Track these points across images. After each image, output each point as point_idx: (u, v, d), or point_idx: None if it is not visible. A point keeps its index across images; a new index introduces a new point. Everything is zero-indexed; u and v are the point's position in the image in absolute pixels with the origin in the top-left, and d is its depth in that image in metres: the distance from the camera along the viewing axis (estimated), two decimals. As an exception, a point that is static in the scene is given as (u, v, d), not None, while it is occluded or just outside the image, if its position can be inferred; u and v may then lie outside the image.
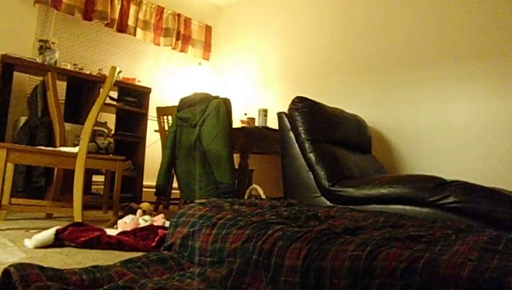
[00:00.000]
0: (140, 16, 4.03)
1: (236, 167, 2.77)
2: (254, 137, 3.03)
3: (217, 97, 2.75)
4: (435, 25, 2.93)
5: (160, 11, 4.20)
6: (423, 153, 2.89)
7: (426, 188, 1.87)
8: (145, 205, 2.49)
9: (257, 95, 4.17)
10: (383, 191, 2.02)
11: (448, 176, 2.35)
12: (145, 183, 3.65)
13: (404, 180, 2.02)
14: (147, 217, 2.03)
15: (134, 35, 3.97)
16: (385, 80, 3.17)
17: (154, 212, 2.39)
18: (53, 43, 3.28)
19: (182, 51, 4.43)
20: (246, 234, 1.14)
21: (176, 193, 3.46)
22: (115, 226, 2.13)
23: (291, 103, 2.45)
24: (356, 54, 3.39)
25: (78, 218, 2.11)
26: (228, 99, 2.71)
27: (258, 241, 1.09)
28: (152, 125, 3.76)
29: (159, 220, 2.05)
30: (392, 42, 3.15)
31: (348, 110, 2.92)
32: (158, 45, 4.20)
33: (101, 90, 2.54)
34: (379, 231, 1.31)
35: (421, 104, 2.95)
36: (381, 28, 3.24)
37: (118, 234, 1.81)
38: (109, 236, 1.72)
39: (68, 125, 2.96)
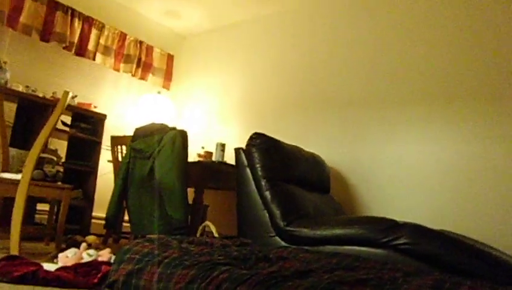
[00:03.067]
0: (102, 41, 4.01)
1: (191, 202, 2.74)
2: (210, 172, 3.02)
3: (173, 128, 2.74)
4: (394, 66, 3.09)
5: (122, 37, 4.20)
6: (380, 193, 2.98)
7: (380, 230, 1.92)
8: (91, 238, 2.40)
9: (216, 128, 4.19)
10: (338, 231, 2.05)
11: (402, 216, 2.44)
12: (95, 214, 3.53)
13: (359, 221, 2.06)
14: (91, 251, 1.96)
15: (94, 59, 3.94)
16: (344, 118, 3.29)
17: (101, 246, 2.30)
18: (5, 62, 3.19)
19: (141, 78, 4.42)
20: (190, 274, 1.12)
21: (127, 226, 3.36)
22: (55, 260, 2.03)
23: (249, 139, 2.48)
24: (316, 91, 3.50)
25: (14, 250, 2.00)
26: (185, 131, 2.70)
27: (202, 283, 1.07)
28: (105, 154, 3.68)
29: (105, 255, 1.97)
30: (352, 81, 3.29)
31: (306, 148, 2.98)
32: (118, 70, 4.17)
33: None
34: (329, 274, 1.32)
35: (378, 144, 3.07)
36: (341, 67, 3.38)
37: (57, 269, 1.72)
38: (47, 271, 1.64)
39: (14, 150, 2.84)
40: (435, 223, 2.60)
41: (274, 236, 2.23)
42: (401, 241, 1.83)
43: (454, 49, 2.84)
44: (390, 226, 1.92)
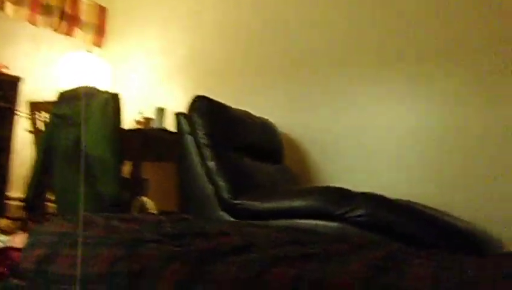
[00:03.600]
0: (11, -13, 3.78)
1: (128, 176, 2.71)
2: (149, 141, 2.99)
3: (104, 92, 2.67)
4: (354, 20, 3.14)
5: (37, -17, 3.98)
6: (340, 162, 3.06)
7: (333, 201, 2.00)
8: (3, 222, 2.34)
9: (156, 92, 4.11)
10: (290, 204, 2.12)
11: (365, 188, 2.53)
12: (12, 195, 3.42)
13: (312, 192, 2.14)
14: (2, 237, 1.91)
15: (2, 10, 3.72)
16: (297, 79, 3.32)
17: (15, 231, 2.25)
18: None
19: (67, 34, 4.23)
20: (113, 255, 1.12)
21: (53, 207, 3.29)
22: (-39, 249, 1.96)
23: (191, 103, 2.46)
24: (267, 50, 3.50)
25: None
26: (117, 94, 2.64)
27: (126, 263, 1.08)
28: (23, 124, 3.54)
29: (19, 241, 1.93)
30: (306, 37, 3.32)
31: (256, 114, 3.00)
32: (35, 24, 3.97)
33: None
34: (273, 250, 1.36)
35: (337, 107, 3.13)
36: (295, 25, 3.38)
37: (-39, 259, 1.67)
38: None
39: None
40: (402, 194, 2.56)
41: (220, 211, 2.26)
42: (357, 212, 1.92)
43: (425, 3, 2.92)
44: (344, 197, 2.01)
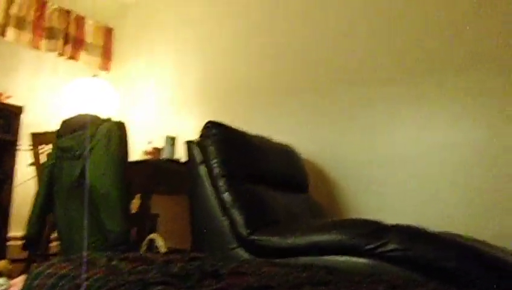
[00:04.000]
0: (14, 10, 3.92)
1: (137, 211, 2.73)
2: (159, 173, 3.02)
3: (107, 120, 2.72)
4: (379, 40, 3.15)
5: (41, 4, 4.12)
6: (369, 193, 3.05)
7: (362, 235, 1.95)
8: (1, 264, 2.37)
9: (167, 119, 4.17)
10: (313, 239, 2.07)
11: (396, 218, 2.49)
12: (12, 234, 3.47)
13: (338, 225, 2.10)
14: (2, 280, 1.94)
15: (3, 35, 3.85)
16: (323, 102, 3.34)
17: (14, 274, 2.28)
18: None
19: (71, 57, 4.37)
20: (113, 298, 1.12)
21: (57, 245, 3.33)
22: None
23: (203, 129, 2.49)
24: (288, 71, 3.55)
25: None
26: (123, 123, 2.69)
27: (127, 308, 1.08)
28: (25, 157, 3.62)
29: (19, 284, 1.96)
30: (330, 58, 3.34)
31: (276, 139, 3.02)
32: (38, 48, 4.10)
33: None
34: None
35: (363, 131, 3.13)
36: (318, 41, 3.41)
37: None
38: None
39: None
40: (438, 224, 2.52)
41: (236, 248, 2.24)
42: (389, 247, 1.86)
43: (440, 20, 2.94)
44: (374, 230, 1.96)
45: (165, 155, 3.26)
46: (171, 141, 3.28)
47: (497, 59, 2.71)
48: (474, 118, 2.73)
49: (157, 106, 4.28)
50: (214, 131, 2.48)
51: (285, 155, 2.84)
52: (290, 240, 2.12)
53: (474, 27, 2.80)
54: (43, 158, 3.19)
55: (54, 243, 3.33)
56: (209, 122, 2.51)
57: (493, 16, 2.75)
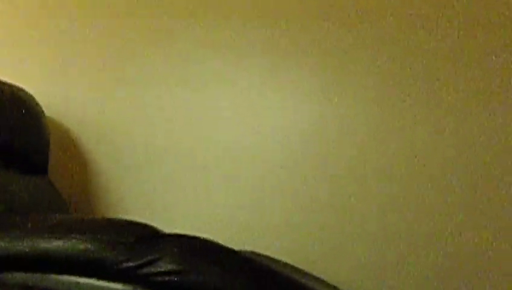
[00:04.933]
0: None
1: None
2: None
3: None
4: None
5: None
6: (141, 185, 2.42)
7: (120, 244, 1.37)
8: None
9: None
10: (41, 245, 1.40)
11: (177, 225, 1.95)
12: None
13: (84, 227, 1.45)
14: None
15: None
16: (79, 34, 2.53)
17: None
18: None
19: None
20: None
21: None
22: None
23: None
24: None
25: None
26: None
27: None
28: None
29: None
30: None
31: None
32: None
33: None
34: None
35: (157, 89, 2.44)
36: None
37: None
38: None
39: None
40: (237, 240, 2.17)
41: None
42: (160, 267, 1.31)
43: None
44: (140, 239, 1.39)
45: None
46: None
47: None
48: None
49: None
50: None
51: (11, 108, 2.00)
52: (3, 244, 1.42)
53: None
54: None
55: None
56: None
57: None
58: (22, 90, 2.14)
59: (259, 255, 1.72)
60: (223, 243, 1.41)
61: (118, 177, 2.41)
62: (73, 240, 1.37)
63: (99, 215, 2.32)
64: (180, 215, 2.28)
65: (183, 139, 2.38)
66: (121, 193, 2.39)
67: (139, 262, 1.32)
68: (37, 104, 2.20)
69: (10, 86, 2.07)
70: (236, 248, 1.45)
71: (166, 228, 1.47)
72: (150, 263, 1.31)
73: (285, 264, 1.73)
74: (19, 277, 1.40)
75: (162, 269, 1.30)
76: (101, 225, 1.48)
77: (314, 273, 1.89)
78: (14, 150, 2.00)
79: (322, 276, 1.89)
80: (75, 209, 2.33)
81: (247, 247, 1.95)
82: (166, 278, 1.31)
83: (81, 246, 1.35)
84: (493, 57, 2.19)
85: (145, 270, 1.31)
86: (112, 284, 1.34)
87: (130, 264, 1.32)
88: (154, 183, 2.36)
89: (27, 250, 1.39)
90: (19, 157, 2.03)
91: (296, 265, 1.83)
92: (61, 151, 2.45)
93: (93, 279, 1.36)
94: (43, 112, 2.21)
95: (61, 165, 2.45)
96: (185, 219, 2.24)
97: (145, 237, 1.40)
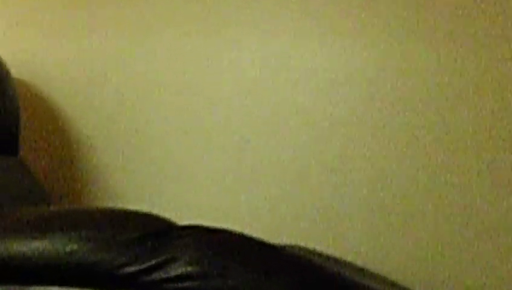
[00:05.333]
0: None
1: None
2: None
3: None
4: None
5: None
6: (158, 159, 2.00)
7: (121, 243, 1.10)
8: None
9: None
10: (15, 248, 1.11)
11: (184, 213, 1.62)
12: None
13: (72, 220, 1.15)
14: None
15: None
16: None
17: None
18: None
19: None
20: None
21: None
22: None
23: None
24: None
25: None
26: None
27: None
28: None
29: None
30: None
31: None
32: None
33: None
34: None
35: (160, 35, 2.02)
36: None
37: None
38: None
39: None
40: (272, 231, 1.80)
41: None
42: (172, 271, 1.06)
43: None
44: (148, 234, 1.10)
45: None
46: None
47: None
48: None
49: None
50: None
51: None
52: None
53: None
54: None
55: None
56: None
57: None
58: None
59: (305, 249, 1.42)
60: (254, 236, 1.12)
61: (111, 155, 1.95)
62: (56, 240, 1.09)
63: (87, 205, 1.88)
64: (195, 203, 1.85)
65: (195, 102, 1.93)
66: (117, 177, 1.94)
67: (145, 265, 1.06)
68: (1, 63, 1.81)
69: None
70: (272, 241, 1.15)
71: (178, 220, 1.16)
72: (159, 266, 1.06)
73: (339, 261, 1.44)
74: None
75: (176, 274, 1.05)
76: (91, 217, 1.18)
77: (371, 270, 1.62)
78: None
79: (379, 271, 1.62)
80: (56, 198, 1.87)
81: (286, 240, 1.62)
82: (181, 285, 1.05)
83: (67, 248, 1.08)
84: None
85: (153, 276, 1.06)
86: (112, 295, 1.07)
87: (133, 268, 1.06)
88: (162, 162, 1.91)
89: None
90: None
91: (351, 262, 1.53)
92: (35, 123, 2.01)
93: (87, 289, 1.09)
94: (8, 73, 1.80)
95: (35, 141, 2.01)
96: (201, 208, 1.82)
97: (152, 231, 1.12)
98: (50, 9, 2.10)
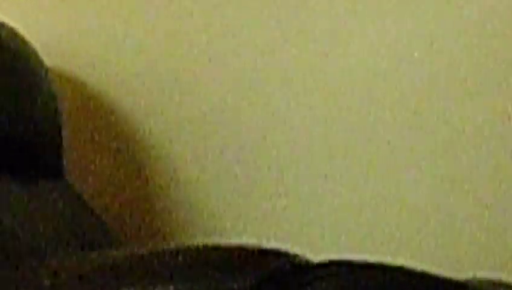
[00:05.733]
0: None
1: None
2: None
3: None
4: None
5: None
6: (265, 169, 1.60)
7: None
8: None
9: None
10: None
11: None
12: None
13: (172, 266, 0.80)
14: None
15: None
16: None
17: None
18: None
19: None
20: None
21: None
22: None
23: None
24: None
25: None
26: None
27: None
28: None
29: None
30: None
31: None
32: None
33: None
34: None
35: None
36: None
37: None
38: None
39: None
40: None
41: None
42: None
43: None
44: (284, 276, 0.76)
45: None
46: None
47: None
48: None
49: None
50: None
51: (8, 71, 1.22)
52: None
53: None
54: None
55: None
56: None
57: None
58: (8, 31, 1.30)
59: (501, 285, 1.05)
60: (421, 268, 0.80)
61: (189, 173, 1.46)
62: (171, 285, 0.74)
63: (168, 240, 1.39)
64: (327, 229, 1.39)
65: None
66: (201, 200, 1.43)
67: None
68: (33, 53, 1.32)
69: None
70: (452, 274, 0.82)
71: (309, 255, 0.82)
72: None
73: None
74: None
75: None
76: (194, 258, 0.85)
77: None
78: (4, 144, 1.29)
79: None
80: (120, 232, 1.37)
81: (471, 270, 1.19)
82: None
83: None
84: None
85: None
86: None
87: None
88: (263, 172, 1.44)
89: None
90: (13, 155, 1.34)
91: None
92: (80, 130, 1.44)
93: None
94: (47, 71, 1.32)
95: (80, 155, 1.45)
96: (328, 233, 1.36)
97: (282, 272, 0.79)
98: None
